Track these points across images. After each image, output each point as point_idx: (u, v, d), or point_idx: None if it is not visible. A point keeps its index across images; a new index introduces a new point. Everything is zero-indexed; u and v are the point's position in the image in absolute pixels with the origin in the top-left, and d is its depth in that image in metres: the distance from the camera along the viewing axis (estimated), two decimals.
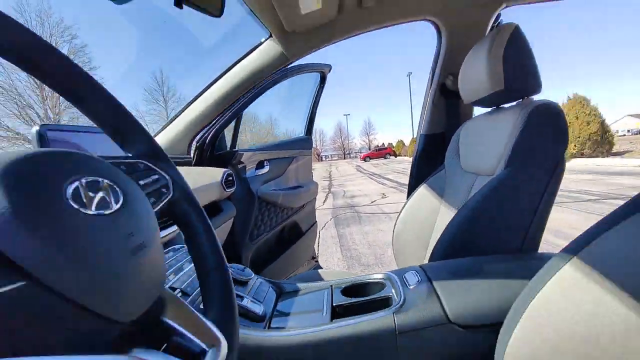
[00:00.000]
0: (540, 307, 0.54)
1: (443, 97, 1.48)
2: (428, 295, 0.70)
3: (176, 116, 1.47)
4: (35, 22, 19.09)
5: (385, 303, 0.74)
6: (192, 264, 0.77)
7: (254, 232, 1.76)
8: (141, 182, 0.40)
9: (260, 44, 1.38)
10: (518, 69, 0.98)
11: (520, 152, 0.91)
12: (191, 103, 1.45)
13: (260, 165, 1.91)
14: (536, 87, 1.01)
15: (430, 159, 1.52)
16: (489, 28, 1.39)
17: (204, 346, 0.35)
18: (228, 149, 1.76)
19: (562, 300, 0.52)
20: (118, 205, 0.31)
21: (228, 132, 1.76)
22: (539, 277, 0.56)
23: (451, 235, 0.95)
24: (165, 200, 0.43)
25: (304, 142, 2.35)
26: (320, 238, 4.94)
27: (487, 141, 1.08)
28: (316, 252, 2.79)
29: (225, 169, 1.44)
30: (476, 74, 1.06)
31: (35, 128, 0.57)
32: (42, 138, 0.58)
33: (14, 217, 0.24)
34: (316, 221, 2.50)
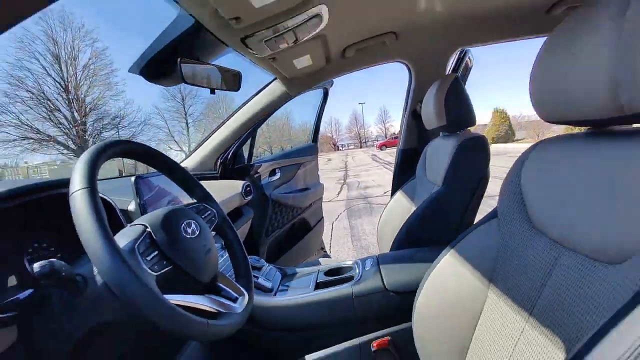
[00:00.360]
0: (433, 279, 0.91)
1: (415, 120, 1.84)
2: (375, 274, 1.09)
3: (203, 141, 1.88)
4: (59, 27, 19.89)
5: (349, 279, 1.13)
6: (223, 258, 1.18)
7: (269, 229, 2.17)
8: (203, 216, 0.80)
9: (270, 82, 1.76)
10: (456, 110, 1.34)
11: (451, 173, 1.28)
12: (215, 131, 1.86)
13: (272, 173, 2.31)
14: (470, 121, 1.36)
15: (407, 169, 1.88)
16: (449, 64, 1.73)
17: (236, 295, 0.75)
18: (246, 161, 2.16)
19: (443, 275, 0.89)
20: (198, 232, 0.71)
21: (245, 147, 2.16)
22: (436, 261, 0.93)
23: (405, 230, 1.33)
24: (214, 225, 0.83)
25: (310, 149, 2.74)
26: (333, 229, 5.33)
27: (440, 159, 1.44)
28: (324, 243, 3.18)
29: (244, 181, 1.83)
30: (429, 111, 1.42)
31: (133, 178, 0.98)
32: (137, 183, 0.99)
33: (168, 242, 0.64)
34: (323, 217, 2.90)
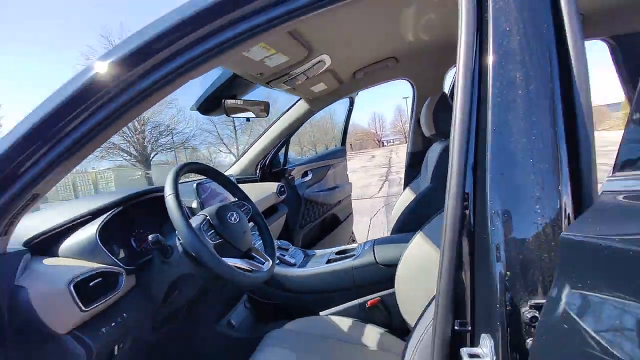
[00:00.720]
0: (407, 254, 1.24)
1: (419, 128, 2.13)
2: (369, 252, 1.44)
3: (245, 151, 2.32)
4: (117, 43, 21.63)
5: (351, 256, 1.48)
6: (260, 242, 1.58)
7: (302, 223, 2.56)
8: (242, 210, 1.20)
9: (297, 101, 2.15)
10: (442, 120, 1.64)
11: (436, 172, 1.58)
12: (255, 142, 2.28)
13: (304, 174, 2.70)
14: None
15: (414, 169, 2.19)
16: (444, 81, 2.02)
17: (264, 261, 1.14)
18: (281, 165, 2.57)
19: (414, 251, 1.22)
20: (238, 220, 1.11)
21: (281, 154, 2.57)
22: (410, 240, 1.25)
23: (402, 219, 1.66)
24: (250, 216, 1.23)
25: (339, 152, 3.10)
26: (371, 225, 5.64)
27: (432, 161, 1.74)
28: (363, 236, 3.51)
29: (279, 183, 2.24)
30: (423, 121, 1.73)
31: (195, 184, 1.41)
32: (197, 188, 1.42)
33: (219, 225, 1.04)
34: (352, 212, 3.24)
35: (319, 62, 1.35)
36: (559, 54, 0.55)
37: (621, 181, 0.47)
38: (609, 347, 0.35)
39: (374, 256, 1.42)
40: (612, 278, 0.39)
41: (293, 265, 1.52)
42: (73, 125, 0.72)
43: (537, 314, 0.50)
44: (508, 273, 0.52)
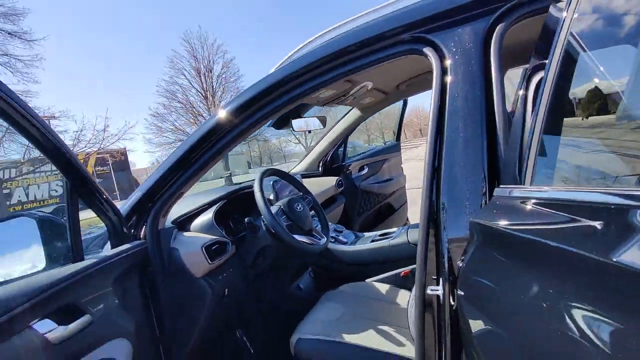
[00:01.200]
0: None
1: None
2: (403, 233, 1.82)
3: (309, 151, 2.79)
4: (197, 45, 23.57)
5: (390, 237, 1.88)
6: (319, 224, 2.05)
7: (359, 211, 2.98)
8: (304, 201, 1.67)
9: (352, 109, 2.56)
10: None
11: None
12: (318, 143, 2.74)
13: (361, 168, 3.10)
14: None
15: None
16: None
17: (320, 238, 1.60)
18: (340, 161, 3.00)
19: None
20: (302, 208, 1.59)
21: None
22: None
23: None
24: (310, 205, 1.70)
25: (394, 147, 3.45)
26: None
27: None
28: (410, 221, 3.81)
29: (337, 177, 2.68)
30: None
31: (271, 182, 1.91)
32: (273, 185, 1.91)
33: (289, 211, 1.52)
34: (406, 201, 3.57)
35: (363, 87, 1.75)
36: (486, 109, 0.90)
37: (504, 189, 0.82)
38: (491, 279, 0.73)
39: (407, 237, 1.80)
40: (492, 243, 0.76)
41: (345, 243, 1.96)
42: (201, 153, 1.23)
43: (462, 264, 0.88)
44: (450, 242, 0.90)
